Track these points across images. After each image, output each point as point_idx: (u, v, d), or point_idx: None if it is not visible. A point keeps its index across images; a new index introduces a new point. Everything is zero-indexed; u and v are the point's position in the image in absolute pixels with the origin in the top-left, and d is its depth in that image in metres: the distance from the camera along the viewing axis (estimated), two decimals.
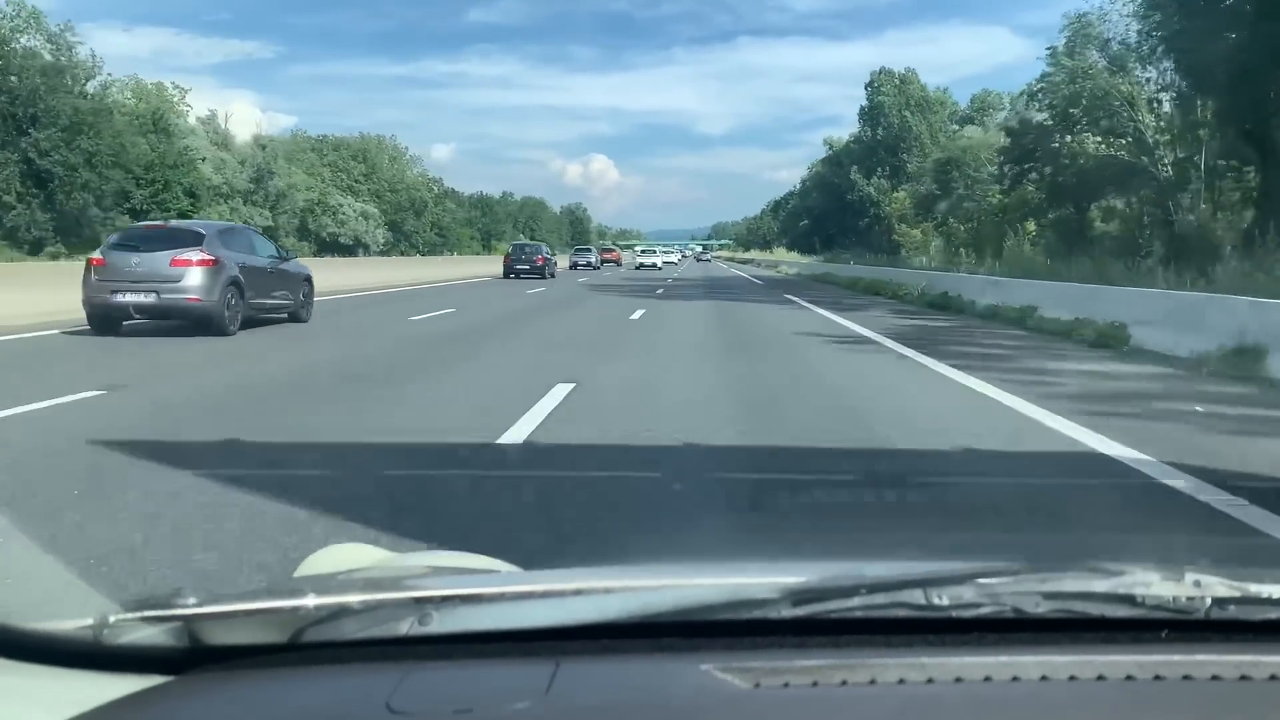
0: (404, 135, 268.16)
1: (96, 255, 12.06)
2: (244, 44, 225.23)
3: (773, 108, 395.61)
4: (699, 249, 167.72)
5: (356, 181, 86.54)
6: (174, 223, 16.43)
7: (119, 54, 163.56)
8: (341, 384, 8.18)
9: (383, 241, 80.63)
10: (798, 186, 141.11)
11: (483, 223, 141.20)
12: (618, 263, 68.61)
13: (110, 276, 11.45)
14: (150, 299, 11.36)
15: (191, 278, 11.34)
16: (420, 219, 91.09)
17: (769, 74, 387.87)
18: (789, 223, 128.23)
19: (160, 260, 11.41)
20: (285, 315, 13.74)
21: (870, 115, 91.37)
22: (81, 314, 11.93)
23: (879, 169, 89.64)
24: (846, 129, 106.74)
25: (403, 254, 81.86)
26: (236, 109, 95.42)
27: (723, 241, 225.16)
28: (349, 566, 1.12)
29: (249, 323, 12.43)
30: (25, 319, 12.90)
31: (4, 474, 4.69)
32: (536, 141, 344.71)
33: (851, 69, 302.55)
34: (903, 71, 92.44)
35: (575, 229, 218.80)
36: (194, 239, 11.90)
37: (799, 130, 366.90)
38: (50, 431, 5.74)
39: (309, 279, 14.47)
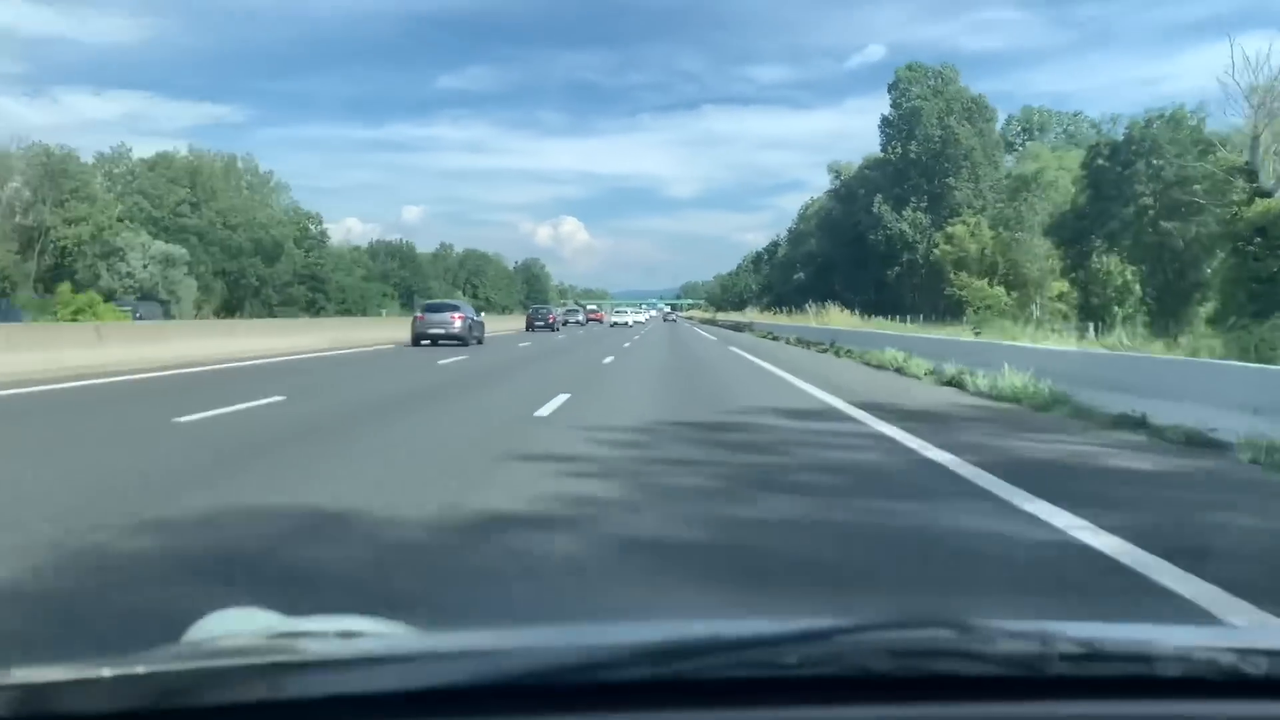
0: (375, 197, 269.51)
1: (419, 314, 27.52)
2: (216, 108, 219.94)
3: (739, 173, 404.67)
4: (666, 308, 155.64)
5: (178, 214, 60.64)
6: (445, 300, 35.49)
7: (90, 118, 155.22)
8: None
9: (197, 294, 54.48)
10: (784, 235, 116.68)
11: (400, 276, 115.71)
12: (600, 320, 78.53)
13: (425, 324, 26.21)
14: (441, 332, 25.76)
15: (457, 323, 26.15)
16: (274, 267, 65.02)
17: (734, 141, 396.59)
18: (777, 275, 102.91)
19: (445, 316, 26.72)
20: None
21: (898, 127, 66.44)
22: (385, 341, 28.01)
23: (913, 198, 66.33)
24: (810, 193, 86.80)
25: (232, 314, 55.71)
26: None
27: (692, 301, 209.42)
28: (237, 630, 1.10)
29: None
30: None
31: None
32: (507, 204, 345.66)
33: (814, 137, 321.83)
34: (940, 68, 68.04)
35: (532, 287, 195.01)
36: (454, 308, 28.13)
37: (764, 195, 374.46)
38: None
39: (483, 324, 30.13)
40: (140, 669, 0.84)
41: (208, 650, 0.98)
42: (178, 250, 53.45)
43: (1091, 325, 28.45)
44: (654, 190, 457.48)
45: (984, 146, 63.74)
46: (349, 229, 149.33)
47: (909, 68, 69.25)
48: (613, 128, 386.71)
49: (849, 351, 20.82)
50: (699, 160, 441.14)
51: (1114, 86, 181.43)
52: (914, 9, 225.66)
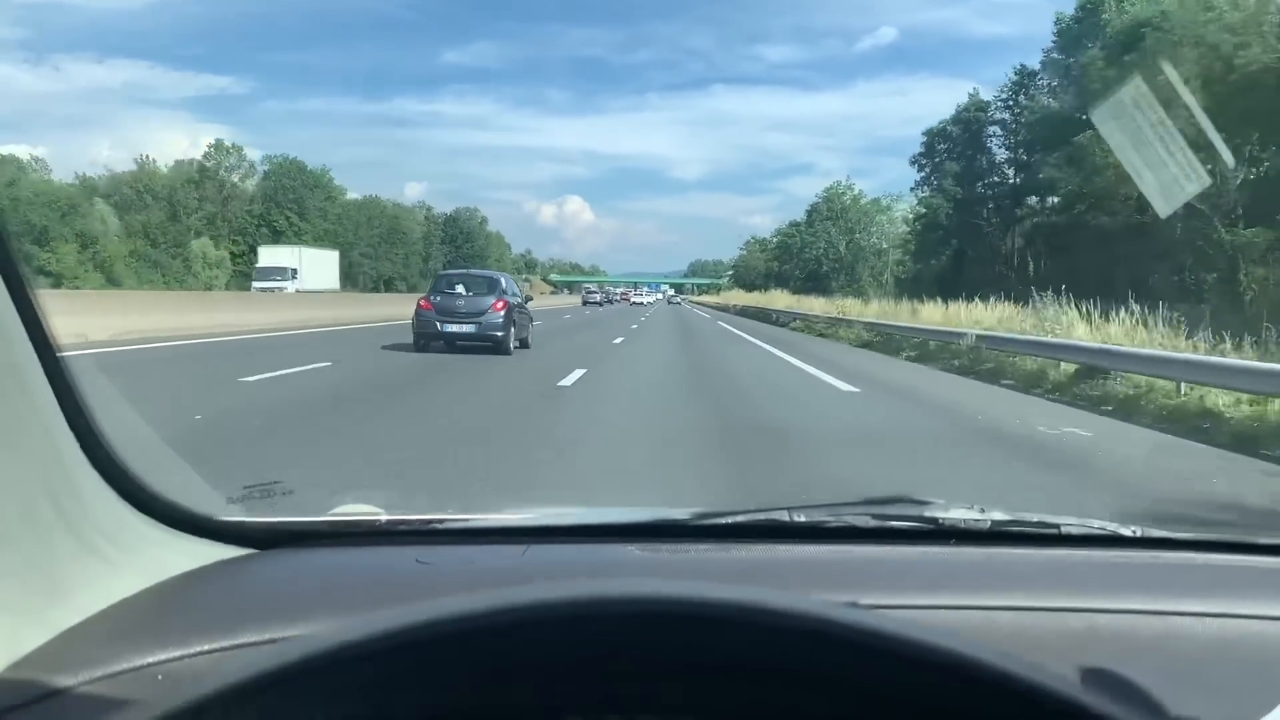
0: (378, 173, 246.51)
1: (583, 292, 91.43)
2: (218, 79, 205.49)
3: (746, 154, 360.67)
4: (670, 290, 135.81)
5: None
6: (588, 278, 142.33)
7: (90, 87, 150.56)
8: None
9: None
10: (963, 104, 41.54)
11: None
12: (628, 300, 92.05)
13: (586, 298, 77.49)
14: (594, 300, 73.08)
15: (598, 296, 79.43)
16: None
17: (742, 121, 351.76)
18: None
19: (594, 294, 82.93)
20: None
21: None
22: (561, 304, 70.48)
23: None
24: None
25: None
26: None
27: (702, 281, 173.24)
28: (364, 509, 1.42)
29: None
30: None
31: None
32: (512, 183, 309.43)
33: (822, 119, 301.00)
34: None
35: (457, 252, 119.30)
36: (594, 289, 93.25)
37: (771, 178, 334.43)
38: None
39: (620, 294, 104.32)
40: (357, 517, 1.27)
41: (369, 511, 1.33)
42: None
43: None
44: (660, 171, 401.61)
45: None
46: None
47: None
48: (619, 106, 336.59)
49: None
50: (706, 141, 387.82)
51: None
52: None
